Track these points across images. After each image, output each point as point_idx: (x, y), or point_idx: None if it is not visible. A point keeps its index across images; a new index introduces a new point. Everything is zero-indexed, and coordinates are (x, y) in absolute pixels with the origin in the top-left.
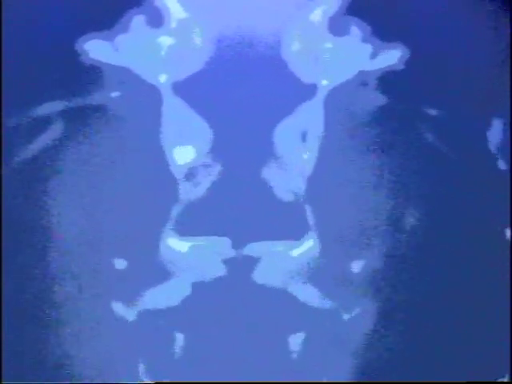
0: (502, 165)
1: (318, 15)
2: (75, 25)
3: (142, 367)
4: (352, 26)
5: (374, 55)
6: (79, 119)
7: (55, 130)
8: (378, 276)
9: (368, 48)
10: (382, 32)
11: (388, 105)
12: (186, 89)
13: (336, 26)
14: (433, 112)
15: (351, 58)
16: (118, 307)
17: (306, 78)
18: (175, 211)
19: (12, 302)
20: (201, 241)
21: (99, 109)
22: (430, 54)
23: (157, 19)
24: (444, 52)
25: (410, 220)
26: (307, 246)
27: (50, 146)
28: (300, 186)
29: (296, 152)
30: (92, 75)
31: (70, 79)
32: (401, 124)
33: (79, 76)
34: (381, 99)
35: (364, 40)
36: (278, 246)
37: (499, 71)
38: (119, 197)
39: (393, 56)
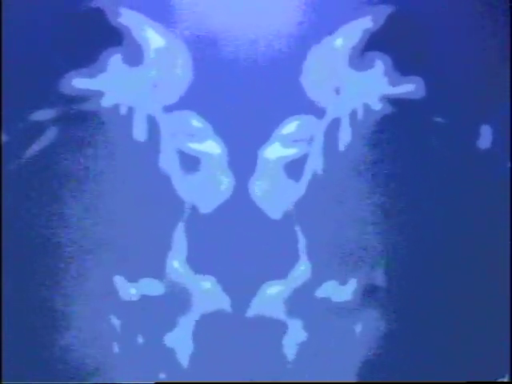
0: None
1: (338, 46)
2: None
3: (141, 369)
4: (373, 59)
5: (392, 86)
6: (72, 126)
7: (49, 136)
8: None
9: (386, 80)
10: (401, 64)
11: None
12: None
13: (356, 59)
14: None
15: (370, 89)
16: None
17: (322, 104)
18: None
19: (12, 303)
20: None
21: (91, 116)
22: (445, 83)
23: (136, 53)
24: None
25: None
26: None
27: (44, 151)
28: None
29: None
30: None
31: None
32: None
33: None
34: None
35: (384, 73)
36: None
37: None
38: (115, 200)
39: (409, 87)
